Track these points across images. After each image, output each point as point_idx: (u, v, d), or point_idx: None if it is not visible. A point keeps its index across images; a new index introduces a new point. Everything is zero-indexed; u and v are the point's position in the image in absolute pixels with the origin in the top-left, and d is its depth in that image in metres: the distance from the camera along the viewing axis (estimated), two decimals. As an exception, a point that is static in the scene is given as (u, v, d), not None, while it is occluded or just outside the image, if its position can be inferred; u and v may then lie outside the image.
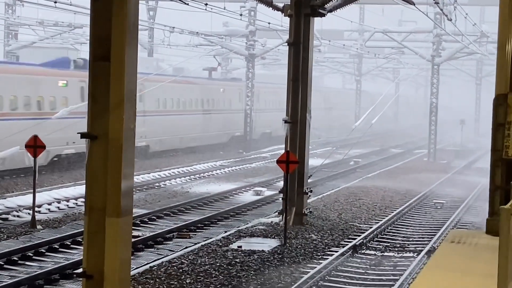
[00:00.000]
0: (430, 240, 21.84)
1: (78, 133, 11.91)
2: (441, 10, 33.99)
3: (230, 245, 20.01)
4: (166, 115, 43.27)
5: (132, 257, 12.84)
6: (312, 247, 20.23)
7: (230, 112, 51.99)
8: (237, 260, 18.24)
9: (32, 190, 22.76)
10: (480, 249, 11.10)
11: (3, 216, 23.39)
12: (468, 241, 11.67)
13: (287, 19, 24.12)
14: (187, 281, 16.24)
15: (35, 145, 21.94)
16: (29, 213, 23.43)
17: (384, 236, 22.80)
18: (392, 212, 26.63)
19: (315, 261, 18.64)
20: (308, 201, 24.64)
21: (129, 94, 11.68)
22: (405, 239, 22.64)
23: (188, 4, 27.39)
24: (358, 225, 24.04)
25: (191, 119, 46.31)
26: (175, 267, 17.35)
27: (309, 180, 24.33)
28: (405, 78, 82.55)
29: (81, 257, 15.85)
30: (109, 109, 11.56)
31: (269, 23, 38.49)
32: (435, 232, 23.51)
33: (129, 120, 11.66)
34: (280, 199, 25.00)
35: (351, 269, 18.25)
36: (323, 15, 23.70)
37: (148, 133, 41.23)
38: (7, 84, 31.34)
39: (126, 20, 11.48)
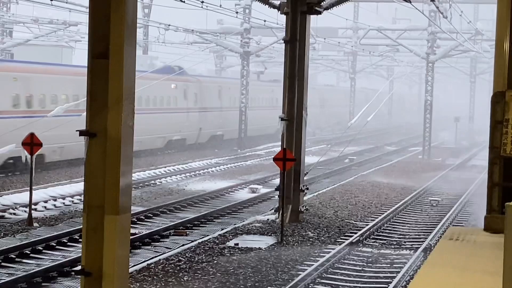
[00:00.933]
0: (427, 238, 21.88)
1: (76, 130, 11.88)
2: (437, 8, 33.98)
3: (227, 242, 20.02)
4: (235, 110, 52.18)
5: (129, 255, 12.84)
6: (308, 244, 20.26)
7: (276, 108, 58.05)
8: (234, 257, 18.26)
9: (28, 188, 22.74)
10: (479, 246, 11.10)
11: (0, 214, 23.38)
12: (466, 238, 11.67)
13: (282, 17, 24.15)
14: (185, 278, 16.25)
15: (31, 143, 21.90)
16: (25, 211, 23.43)
17: (381, 234, 22.83)
18: (388, 209, 26.66)
19: (312, 258, 18.65)
20: (304, 198, 24.66)
21: (128, 92, 11.65)
22: (401, 236, 22.68)
23: (184, 1, 27.34)
24: (354, 222, 24.07)
25: (252, 114, 53.22)
26: (172, 265, 17.36)
27: (305, 178, 24.36)
28: (399, 76, 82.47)
29: (78, 255, 15.90)
30: (107, 106, 11.54)
31: (264, 21, 38.45)
32: (432, 229, 23.54)
33: (127, 117, 11.64)
34: (276, 196, 25.02)
35: (348, 266, 18.28)
36: (319, 12, 23.72)
37: (224, 125, 51.79)
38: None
39: (125, 17, 11.45)
